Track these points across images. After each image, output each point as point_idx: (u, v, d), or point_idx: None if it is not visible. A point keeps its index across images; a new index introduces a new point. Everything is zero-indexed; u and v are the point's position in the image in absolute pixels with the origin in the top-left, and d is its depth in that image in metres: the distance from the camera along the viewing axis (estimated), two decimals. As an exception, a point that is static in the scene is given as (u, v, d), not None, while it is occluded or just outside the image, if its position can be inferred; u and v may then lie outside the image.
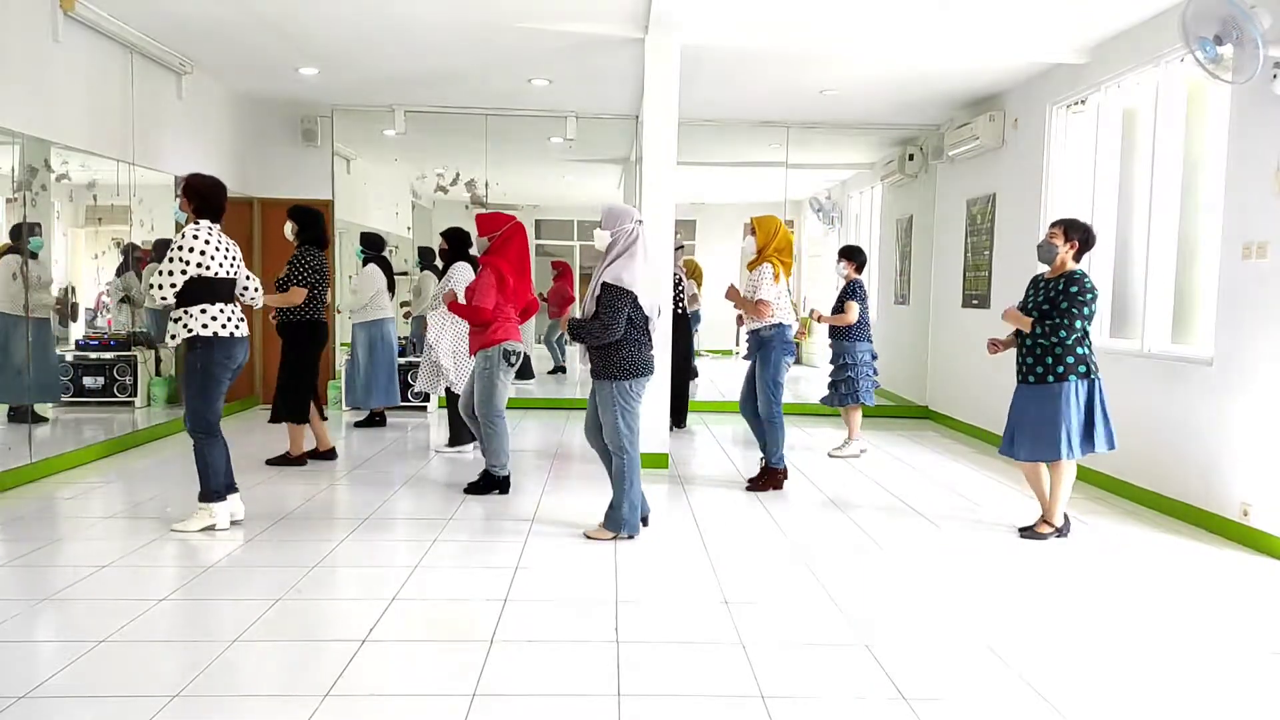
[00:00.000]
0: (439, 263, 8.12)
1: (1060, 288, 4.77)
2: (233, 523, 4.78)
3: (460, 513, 5.21)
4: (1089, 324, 4.74)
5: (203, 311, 4.53)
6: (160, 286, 4.47)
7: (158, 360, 8.20)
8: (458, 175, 10.19)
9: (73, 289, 7.71)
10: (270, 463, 6.41)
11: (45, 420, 6.68)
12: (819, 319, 7.36)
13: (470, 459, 6.75)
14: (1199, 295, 5.76)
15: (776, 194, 10.53)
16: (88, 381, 7.66)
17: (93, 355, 7.67)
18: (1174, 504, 5.55)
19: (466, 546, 4.58)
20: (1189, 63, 5.62)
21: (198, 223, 4.58)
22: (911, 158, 9.71)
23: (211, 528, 4.70)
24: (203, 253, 4.52)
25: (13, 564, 4.15)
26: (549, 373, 12.08)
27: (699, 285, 11.47)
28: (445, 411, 7.54)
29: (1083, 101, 6.99)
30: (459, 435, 7.08)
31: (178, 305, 4.54)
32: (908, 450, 7.64)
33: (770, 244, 5.95)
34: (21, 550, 4.36)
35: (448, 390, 6.90)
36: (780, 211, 10.94)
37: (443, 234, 7.05)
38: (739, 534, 4.96)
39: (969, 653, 3.37)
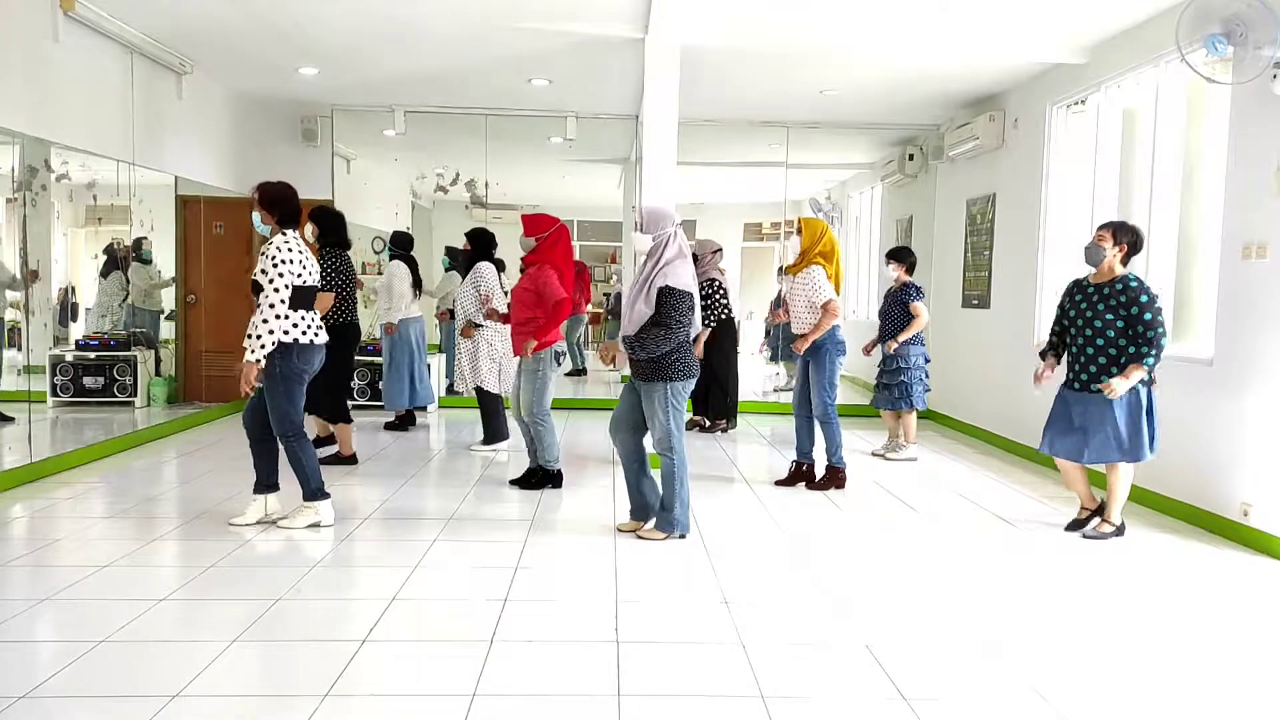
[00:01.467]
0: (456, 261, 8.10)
1: (1122, 298, 4.70)
2: (271, 521, 4.80)
3: (460, 512, 5.21)
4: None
5: (287, 318, 4.53)
6: (273, 305, 4.46)
7: (158, 360, 8.21)
8: (458, 175, 10.19)
9: (73, 289, 7.72)
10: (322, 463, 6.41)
11: (11, 420, 6.59)
12: (893, 347, 7.02)
13: (505, 459, 6.82)
14: (1199, 295, 5.76)
15: (776, 194, 10.53)
16: (88, 381, 7.66)
17: (93, 355, 7.68)
18: (1174, 504, 5.54)
19: (466, 546, 4.57)
20: (1190, 61, 5.63)
21: (285, 233, 4.60)
22: (911, 158, 9.71)
23: (317, 525, 4.74)
24: (300, 264, 4.56)
25: (13, 564, 4.15)
26: (566, 374, 12.02)
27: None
28: (465, 412, 7.47)
29: (1083, 101, 6.99)
30: (497, 433, 7.08)
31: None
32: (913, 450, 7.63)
33: (815, 246, 5.91)
34: (21, 550, 4.36)
35: (480, 389, 6.95)
36: (779, 212, 10.95)
37: (468, 234, 7.05)
38: (739, 534, 4.95)
39: (969, 653, 3.37)
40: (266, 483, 4.84)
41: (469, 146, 9.75)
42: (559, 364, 5.68)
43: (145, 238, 8.15)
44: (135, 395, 7.80)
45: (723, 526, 5.07)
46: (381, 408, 8.34)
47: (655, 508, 4.82)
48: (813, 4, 6.03)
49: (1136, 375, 4.65)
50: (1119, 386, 4.64)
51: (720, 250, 8.27)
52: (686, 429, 8.07)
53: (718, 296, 7.97)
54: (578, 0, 6.12)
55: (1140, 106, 6.37)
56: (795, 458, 6.16)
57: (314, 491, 4.76)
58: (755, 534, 4.97)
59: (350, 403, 8.48)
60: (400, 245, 7.83)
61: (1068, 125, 7.20)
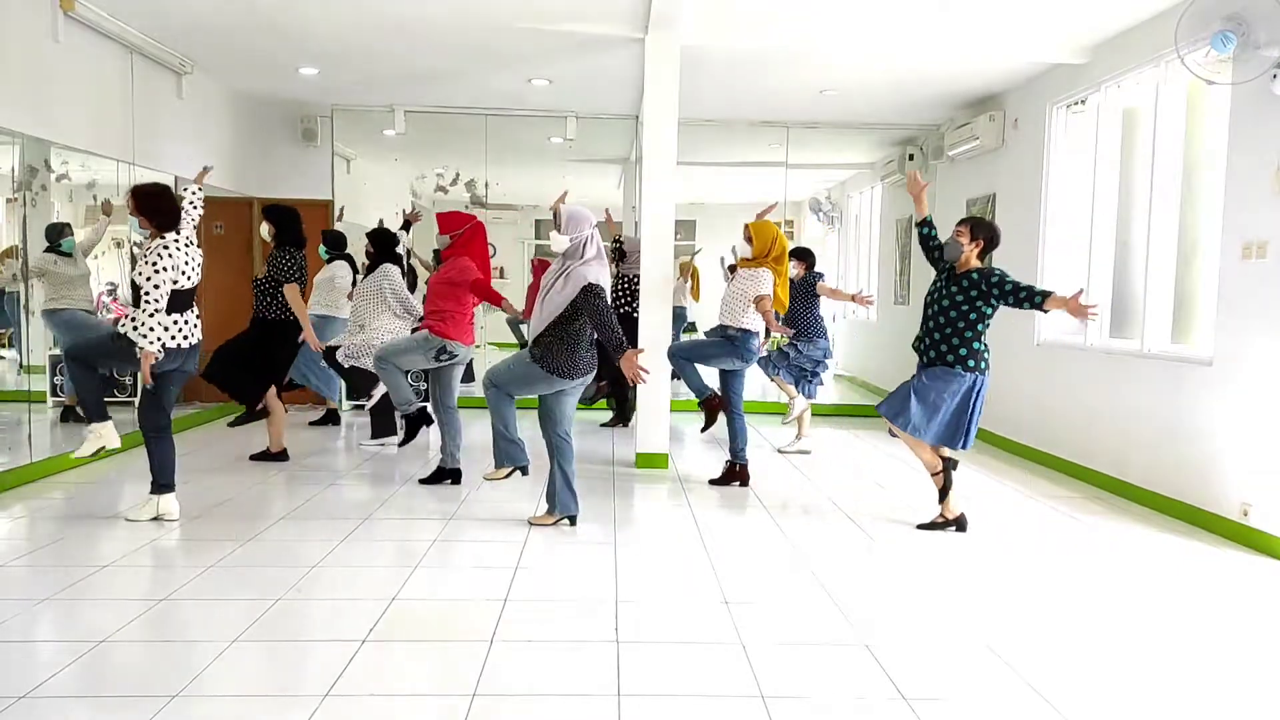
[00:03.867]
0: (362, 262, 7.88)
1: (975, 278, 4.78)
2: (166, 519, 4.86)
3: (460, 512, 5.21)
4: (989, 320, 4.84)
5: (158, 323, 4.59)
6: (154, 310, 4.53)
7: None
8: (458, 175, 10.19)
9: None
10: (252, 459, 6.42)
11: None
12: (788, 331, 6.92)
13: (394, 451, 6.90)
14: (1199, 295, 5.76)
15: (776, 194, 10.51)
16: (88, 381, 7.65)
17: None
18: (1174, 504, 5.55)
19: (466, 546, 4.58)
20: (1188, 63, 5.63)
21: (163, 237, 4.63)
22: (911, 158, 9.71)
23: (159, 518, 4.82)
24: (175, 268, 4.61)
25: (13, 564, 4.15)
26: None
27: (696, 285, 11.42)
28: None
29: (1083, 101, 6.99)
30: (383, 428, 7.13)
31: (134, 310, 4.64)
32: (906, 450, 7.62)
33: (770, 252, 5.93)
34: (21, 550, 4.36)
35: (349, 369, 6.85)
36: (780, 212, 10.93)
37: (369, 235, 6.96)
38: (739, 534, 4.96)
39: (969, 653, 3.37)
40: (163, 484, 4.90)
41: (469, 146, 9.75)
42: (437, 358, 5.66)
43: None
44: (135, 395, 7.79)
45: (723, 526, 5.07)
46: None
47: (507, 456, 4.98)
48: (813, 4, 6.04)
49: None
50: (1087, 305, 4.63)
51: (621, 244, 8.29)
52: (608, 426, 8.20)
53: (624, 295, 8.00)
54: (578, 0, 6.12)
55: (1140, 106, 6.37)
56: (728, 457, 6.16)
57: (161, 485, 4.85)
58: (755, 534, 4.97)
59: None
60: (334, 245, 7.61)
61: (1068, 125, 7.20)
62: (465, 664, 3.13)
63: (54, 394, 7.56)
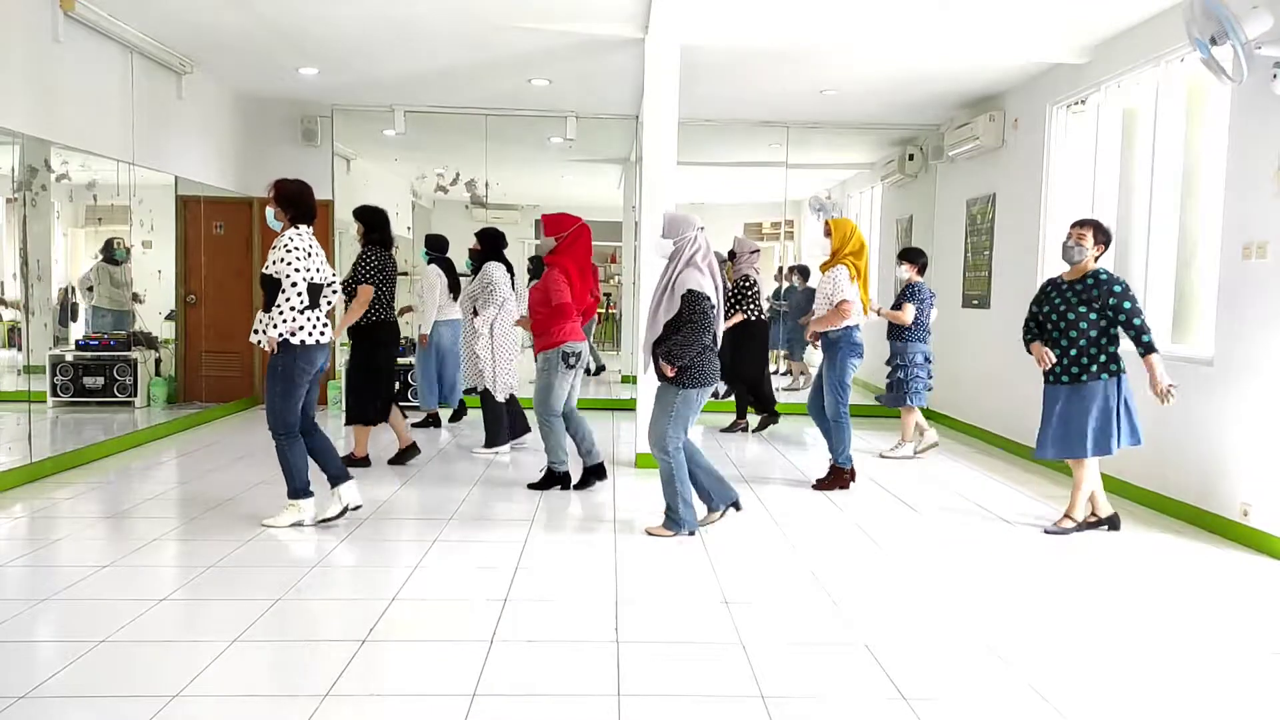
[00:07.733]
0: (453, 261, 8.06)
1: (1095, 292, 4.81)
2: (353, 508, 4.83)
3: (460, 512, 5.21)
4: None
5: (303, 313, 4.55)
6: (290, 300, 4.48)
7: (157, 360, 8.21)
8: (458, 175, 10.19)
9: (73, 289, 7.72)
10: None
11: None
12: (878, 312, 6.97)
13: (507, 460, 6.80)
14: (1199, 295, 5.76)
15: (777, 194, 10.54)
16: (88, 381, 7.67)
17: (92, 355, 7.68)
18: (1174, 504, 5.54)
19: (466, 546, 4.58)
20: (1189, 62, 5.63)
21: (297, 228, 4.61)
22: (911, 158, 9.71)
23: (300, 523, 4.76)
24: (305, 253, 4.57)
25: (13, 564, 4.15)
26: (587, 373, 11.97)
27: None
28: (478, 413, 7.45)
29: (1083, 101, 6.99)
30: (495, 436, 7.03)
31: (268, 307, 4.54)
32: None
33: (845, 247, 5.98)
34: (21, 550, 4.36)
35: (484, 393, 6.89)
36: (780, 212, 10.95)
37: (478, 234, 7.00)
38: (739, 534, 4.95)
39: (969, 653, 3.37)
40: (335, 475, 4.81)
41: (469, 146, 9.75)
42: (568, 365, 5.59)
43: (119, 238, 8.06)
44: (135, 395, 7.80)
45: (723, 526, 5.06)
46: (418, 408, 8.39)
47: (714, 494, 4.90)
48: (813, 4, 6.03)
49: (1159, 363, 4.69)
50: (1166, 383, 4.65)
51: (758, 250, 8.34)
52: (728, 430, 8.20)
53: (751, 294, 8.02)
54: (578, 0, 6.12)
55: (1140, 106, 6.37)
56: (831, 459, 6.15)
57: (298, 490, 4.76)
58: (755, 534, 4.97)
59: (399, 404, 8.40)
60: (435, 248, 7.74)
61: (1068, 125, 7.20)
62: (465, 664, 3.13)
63: (54, 394, 7.57)
